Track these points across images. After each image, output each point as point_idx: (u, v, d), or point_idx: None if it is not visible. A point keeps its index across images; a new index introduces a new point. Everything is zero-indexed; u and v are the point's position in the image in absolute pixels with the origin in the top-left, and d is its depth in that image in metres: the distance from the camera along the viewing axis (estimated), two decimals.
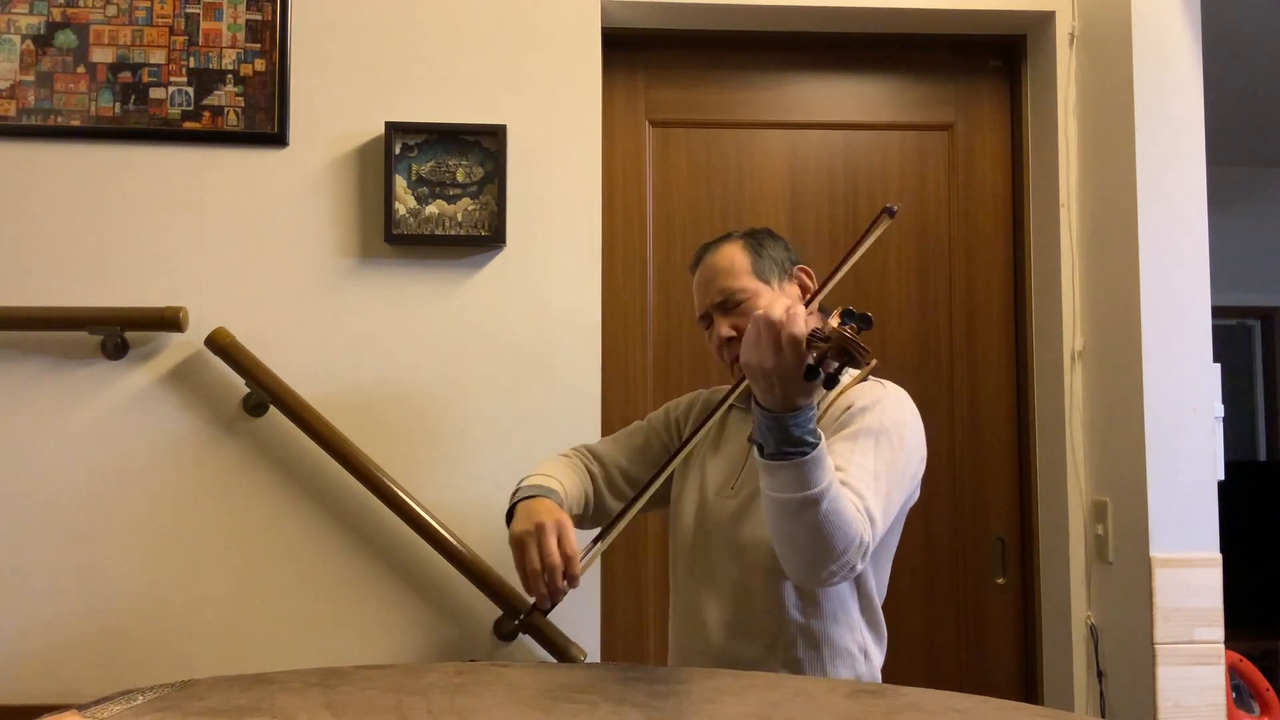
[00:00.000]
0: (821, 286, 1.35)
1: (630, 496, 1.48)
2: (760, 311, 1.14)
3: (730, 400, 1.41)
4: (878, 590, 1.44)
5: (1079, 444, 2.03)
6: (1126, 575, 1.89)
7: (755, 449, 1.18)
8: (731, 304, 1.44)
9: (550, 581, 1.28)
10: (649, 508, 1.49)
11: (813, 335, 1.09)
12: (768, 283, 1.45)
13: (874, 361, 1.12)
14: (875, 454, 1.30)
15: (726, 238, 1.51)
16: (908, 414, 1.39)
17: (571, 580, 1.29)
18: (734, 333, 1.43)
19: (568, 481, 1.49)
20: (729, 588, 1.42)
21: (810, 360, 1.10)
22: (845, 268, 1.30)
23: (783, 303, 1.13)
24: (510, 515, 1.40)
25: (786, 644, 1.37)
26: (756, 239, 1.50)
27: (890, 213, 1.28)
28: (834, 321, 1.09)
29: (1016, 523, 2.19)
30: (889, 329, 2.18)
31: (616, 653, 2.07)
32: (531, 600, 1.34)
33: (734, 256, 1.47)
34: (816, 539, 1.16)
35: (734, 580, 1.41)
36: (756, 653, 1.38)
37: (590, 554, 1.36)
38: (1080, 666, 2.00)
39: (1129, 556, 1.89)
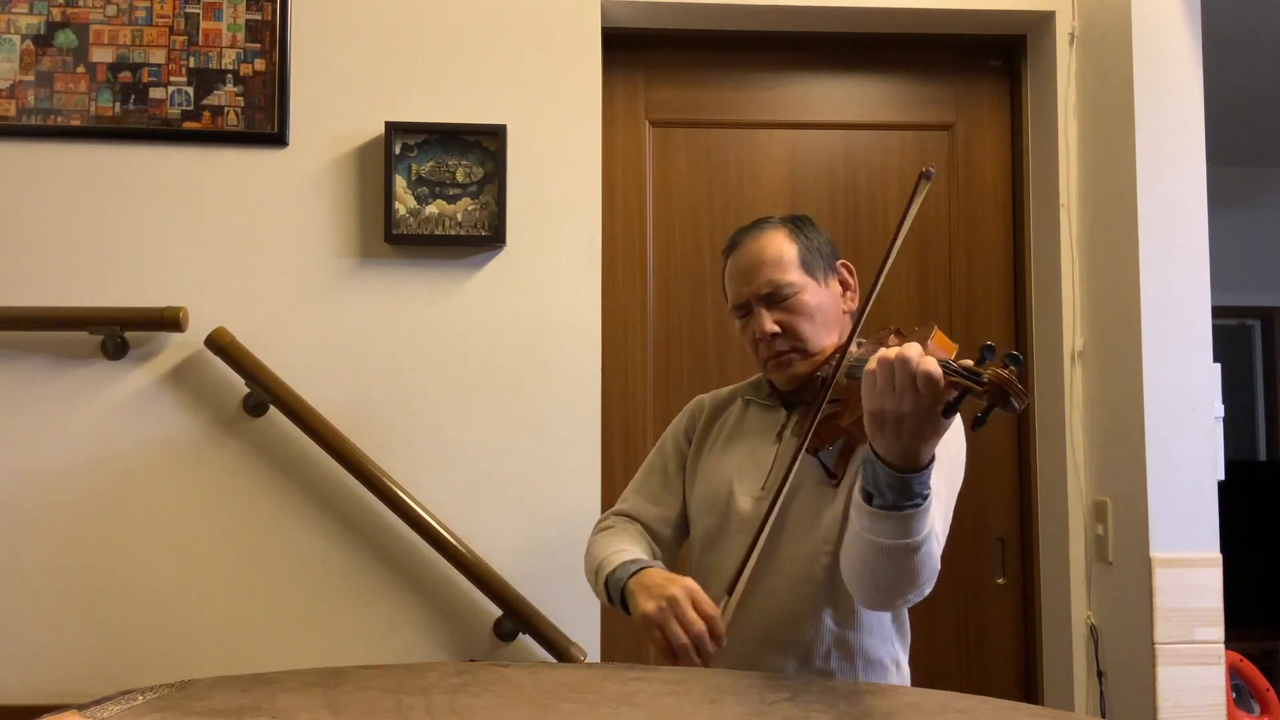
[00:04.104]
0: (882, 267, 1.24)
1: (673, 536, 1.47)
2: (889, 354, 1.03)
3: (821, 402, 1.27)
4: None
5: (1079, 444, 2.03)
6: (1126, 575, 1.89)
7: (861, 495, 1.11)
8: (779, 297, 1.35)
9: (700, 648, 1.21)
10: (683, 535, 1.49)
11: (964, 374, 1.01)
12: (814, 277, 1.37)
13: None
14: (938, 472, 1.22)
15: (767, 222, 1.42)
16: (958, 425, 1.33)
17: (719, 640, 1.22)
18: (778, 328, 1.35)
19: (644, 550, 1.41)
20: (761, 599, 1.32)
21: (950, 398, 1.02)
22: (898, 243, 1.23)
23: (914, 345, 1.04)
24: (621, 597, 1.31)
25: (820, 656, 1.31)
26: (800, 228, 1.40)
27: (927, 176, 1.21)
28: (969, 362, 1.00)
29: (1016, 523, 2.19)
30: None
31: (616, 653, 2.07)
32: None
33: (782, 246, 1.37)
34: (906, 576, 1.12)
35: (767, 591, 1.33)
36: (789, 665, 1.32)
37: (726, 609, 1.28)
38: (1080, 666, 2.00)
39: (1129, 556, 1.89)
